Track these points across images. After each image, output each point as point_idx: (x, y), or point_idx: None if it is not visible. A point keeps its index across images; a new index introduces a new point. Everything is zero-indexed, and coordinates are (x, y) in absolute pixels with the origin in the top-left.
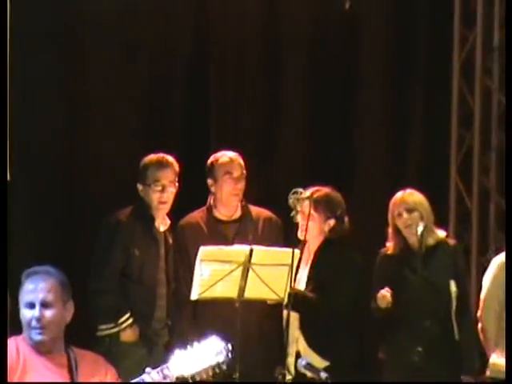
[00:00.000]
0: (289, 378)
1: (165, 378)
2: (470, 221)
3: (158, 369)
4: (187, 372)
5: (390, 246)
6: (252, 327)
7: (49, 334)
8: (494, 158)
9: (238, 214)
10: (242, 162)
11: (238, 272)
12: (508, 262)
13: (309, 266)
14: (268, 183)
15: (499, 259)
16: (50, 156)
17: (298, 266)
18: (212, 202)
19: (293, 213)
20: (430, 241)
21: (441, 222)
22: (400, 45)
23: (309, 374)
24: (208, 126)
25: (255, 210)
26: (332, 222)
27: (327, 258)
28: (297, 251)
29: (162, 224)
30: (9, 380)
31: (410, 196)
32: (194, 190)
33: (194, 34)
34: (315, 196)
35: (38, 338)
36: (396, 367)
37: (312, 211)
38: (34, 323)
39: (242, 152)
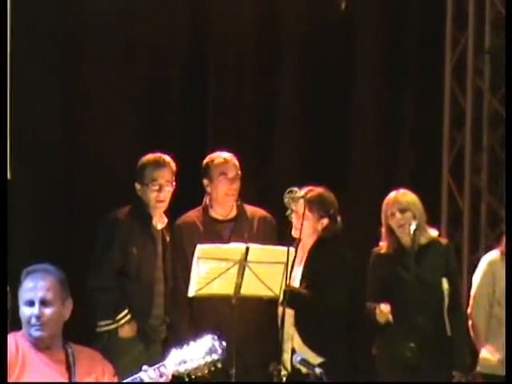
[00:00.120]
0: (284, 373)
1: (161, 375)
2: (462, 220)
3: (155, 366)
4: (183, 370)
5: (383, 246)
6: (248, 323)
7: (48, 330)
8: (485, 158)
9: (234, 213)
10: (236, 162)
11: (235, 269)
12: (508, 262)
13: (303, 264)
14: (264, 182)
15: (489, 257)
16: (50, 156)
17: (292, 264)
18: (208, 201)
19: (288, 211)
20: (423, 240)
21: (433, 221)
22: (393, 47)
23: (304, 369)
24: (205, 126)
25: (250, 209)
26: (325, 221)
27: (321, 256)
28: (292, 249)
29: (160, 222)
30: (8, 375)
31: (403, 196)
32: (191, 188)
33: (191, 34)
34: (309, 196)
35: (37, 334)
36: (389, 362)
37: (306, 211)
38: (33, 321)
39: (239, 152)
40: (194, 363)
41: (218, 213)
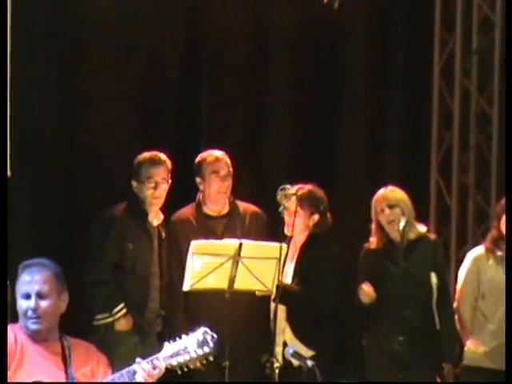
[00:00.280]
0: (277, 365)
1: (154, 368)
2: (450, 216)
3: (148, 359)
4: (175, 362)
5: (373, 241)
6: (241, 317)
7: (44, 323)
8: (472, 156)
9: (226, 209)
10: (228, 160)
11: (228, 264)
12: (508, 262)
13: (295, 260)
14: (257, 180)
15: (474, 253)
16: (50, 155)
17: (284, 261)
18: (201, 198)
19: (281, 208)
20: (411, 235)
21: (421, 217)
22: (382, 48)
23: (296, 362)
24: (199, 125)
25: (242, 205)
26: (316, 217)
27: (312, 252)
28: (284, 245)
29: (156, 219)
30: (8, 365)
31: (392, 193)
32: (187, 186)
33: (185, 34)
34: (299, 193)
35: (33, 327)
36: (378, 355)
37: (298, 208)
38: (30, 313)
39: (232, 150)
40: (186, 356)
41: (211, 209)
